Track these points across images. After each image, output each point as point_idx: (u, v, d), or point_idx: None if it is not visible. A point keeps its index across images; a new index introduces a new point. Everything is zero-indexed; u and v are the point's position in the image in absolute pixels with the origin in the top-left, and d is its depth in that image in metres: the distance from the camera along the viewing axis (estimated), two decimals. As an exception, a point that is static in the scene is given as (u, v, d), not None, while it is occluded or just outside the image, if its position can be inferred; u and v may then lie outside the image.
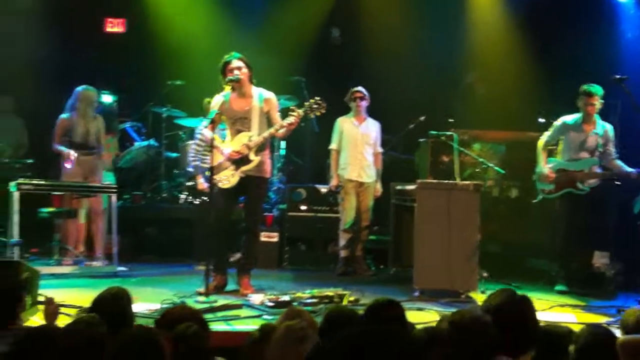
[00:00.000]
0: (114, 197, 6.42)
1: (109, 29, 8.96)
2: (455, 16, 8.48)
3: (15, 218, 5.92)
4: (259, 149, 5.48)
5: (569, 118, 6.17)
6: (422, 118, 7.29)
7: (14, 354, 2.37)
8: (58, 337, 2.54)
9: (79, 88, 6.72)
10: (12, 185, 6.03)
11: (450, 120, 7.42)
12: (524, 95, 7.78)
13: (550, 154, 6.33)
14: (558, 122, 6.22)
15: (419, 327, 3.09)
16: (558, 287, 6.02)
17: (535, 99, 7.73)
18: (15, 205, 5.94)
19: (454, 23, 8.49)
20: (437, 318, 4.54)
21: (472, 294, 5.49)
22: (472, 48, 8.44)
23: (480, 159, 6.60)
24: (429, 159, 7.13)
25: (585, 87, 6.01)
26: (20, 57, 8.05)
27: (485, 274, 5.82)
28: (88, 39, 8.62)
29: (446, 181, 5.85)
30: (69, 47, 8.35)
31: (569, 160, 6.15)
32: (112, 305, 3.02)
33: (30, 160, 7.47)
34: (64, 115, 6.66)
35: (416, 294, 5.50)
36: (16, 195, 5.96)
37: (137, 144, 7.97)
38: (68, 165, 6.53)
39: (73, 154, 6.52)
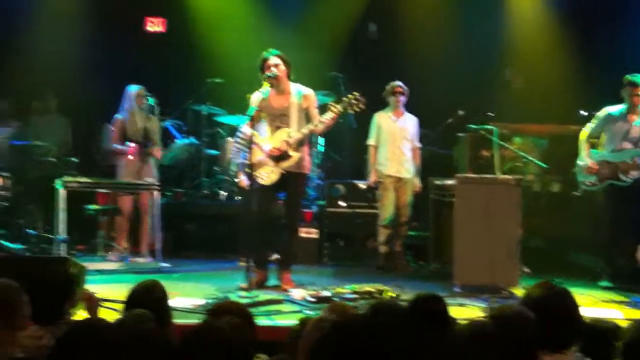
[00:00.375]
0: (156, 194, 6.53)
1: (149, 28, 9.09)
2: (493, 7, 8.38)
3: (62, 215, 6.07)
4: (298, 145, 5.51)
5: (614, 109, 6.07)
6: (461, 112, 7.23)
7: (61, 347, 2.42)
8: (105, 331, 2.59)
9: (131, 88, 6.82)
10: (58, 183, 6.19)
11: (490, 114, 7.34)
12: (565, 88, 7.67)
13: (593, 146, 6.23)
14: (602, 113, 6.12)
15: (461, 322, 3.08)
16: (602, 283, 5.92)
17: (577, 91, 7.61)
18: (62, 203, 6.09)
19: (493, 14, 8.40)
20: (479, 314, 4.56)
21: (514, 290, 5.44)
22: (511, 40, 8.34)
23: (521, 153, 6.53)
24: (469, 153, 7.08)
25: (629, 77, 5.92)
26: (64, 57, 8.25)
27: (526, 270, 5.75)
28: (129, 38, 8.79)
29: (486, 175, 5.80)
30: (111, 47, 8.52)
31: (612, 151, 6.05)
32: (145, 299, 3.06)
33: (75, 159, 7.64)
34: (118, 116, 6.80)
35: (457, 289, 5.47)
36: (62, 192, 6.11)
37: (178, 142, 8.08)
38: (130, 157, 6.65)
39: (131, 145, 6.63)
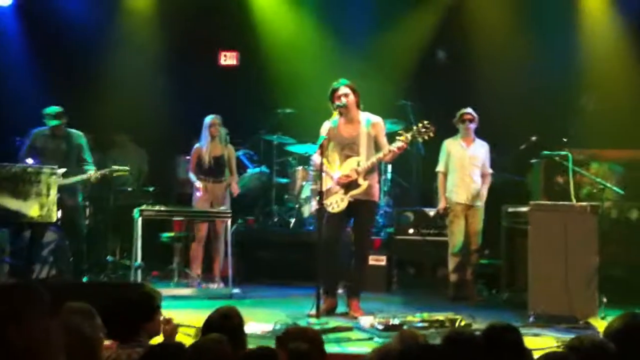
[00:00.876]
0: (228, 222, 6.68)
1: (223, 62, 9.39)
2: (565, 33, 8.22)
3: (139, 243, 6.28)
4: (368, 173, 5.54)
5: None
6: (534, 138, 7.09)
7: None
8: (182, 354, 2.67)
9: (207, 118, 7.03)
10: (135, 212, 6.42)
11: (564, 139, 7.16)
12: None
13: None
14: None
15: (536, 353, 2.99)
16: None
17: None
18: (139, 231, 6.31)
19: (565, 40, 8.23)
20: (554, 344, 4.42)
21: (592, 320, 5.25)
22: (585, 64, 8.14)
23: (597, 179, 6.33)
24: (543, 180, 6.92)
25: None
26: (142, 90, 8.61)
27: (604, 299, 5.53)
28: (204, 71, 9.10)
29: (561, 202, 5.66)
30: (187, 80, 8.84)
31: None
32: (222, 325, 3.12)
33: (151, 188, 7.91)
34: (197, 145, 7.03)
35: (531, 319, 5.32)
36: (139, 221, 6.34)
37: (249, 171, 8.26)
38: (198, 194, 6.88)
39: (198, 184, 6.84)
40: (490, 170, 6.86)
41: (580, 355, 2.51)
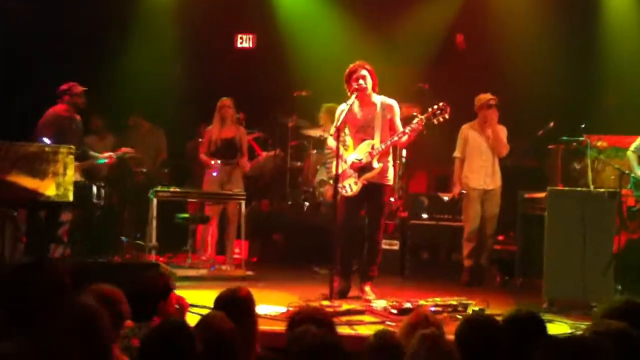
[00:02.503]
0: (242, 204, 6.68)
1: (239, 45, 9.36)
2: (587, 17, 8.11)
3: (154, 223, 6.31)
4: (382, 156, 5.50)
5: None
6: (552, 124, 7.02)
7: (147, 344, 2.52)
8: (185, 331, 2.67)
9: (223, 98, 7.02)
10: (151, 193, 6.44)
11: (583, 126, 7.07)
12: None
13: None
14: None
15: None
16: None
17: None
18: (154, 212, 6.34)
19: (587, 25, 8.12)
20: (568, 331, 4.39)
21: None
22: (606, 50, 8.03)
23: (616, 166, 6.25)
24: (560, 166, 6.85)
25: None
26: (158, 73, 8.62)
27: (619, 287, 5.48)
28: (220, 54, 9.08)
29: (579, 189, 5.60)
30: (203, 63, 8.84)
31: None
32: (232, 303, 3.13)
33: (166, 170, 7.94)
34: (210, 127, 7.02)
35: (546, 305, 5.29)
36: (154, 202, 6.36)
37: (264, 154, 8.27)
38: (214, 174, 6.87)
39: (216, 162, 6.84)
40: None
41: (608, 339, 2.46)
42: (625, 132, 7.18)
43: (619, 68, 7.96)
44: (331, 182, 5.86)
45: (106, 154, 6.87)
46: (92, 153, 6.85)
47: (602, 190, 5.52)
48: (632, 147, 6.16)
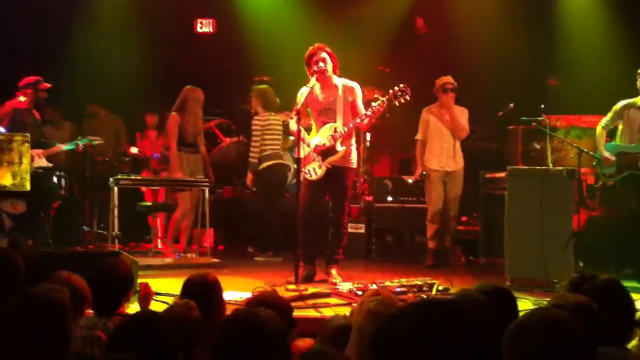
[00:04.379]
0: (206, 192, 6.61)
1: (199, 30, 9.24)
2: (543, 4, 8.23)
3: (115, 212, 6.22)
4: (345, 139, 5.50)
5: (629, 101, 6.05)
6: (511, 105, 7.10)
7: (115, 338, 2.49)
8: (155, 322, 2.64)
9: (188, 87, 6.90)
10: (111, 182, 6.34)
11: (542, 106, 7.17)
12: (621, 78, 7.42)
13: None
14: (617, 106, 6.10)
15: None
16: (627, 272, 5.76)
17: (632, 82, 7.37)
18: (115, 200, 6.24)
19: (544, 7, 8.23)
20: (531, 307, 4.46)
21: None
22: (563, 31, 8.15)
23: (574, 145, 6.36)
24: (520, 146, 6.96)
25: None
26: (115, 60, 8.45)
27: (580, 264, 5.60)
28: (180, 40, 8.95)
29: (538, 167, 5.68)
30: (161, 49, 8.70)
31: (629, 142, 6.01)
32: (199, 289, 3.11)
33: (127, 158, 7.82)
34: (175, 114, 6.83)
35: (507, 284, 5.37)
36: (115, 190, 6.26)
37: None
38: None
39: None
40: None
41: (568, 312, 2.48)
42: (583, 111, 7.33)
43: (577, 49, 8.08)
44: (294, 166, 5.83)
45: (73, 144, 6.71)
46: (55, 143, 6.72)
47: (561, 168, 5.61)
48: (602, 123, 6.18)
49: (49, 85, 6.55)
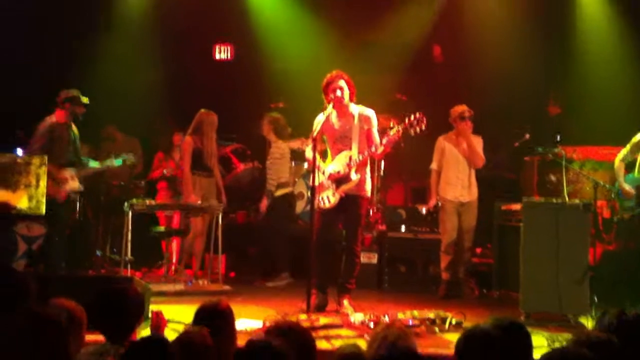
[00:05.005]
0: (219, 217, 6.61)
1: (217, 56, 9.32)
2: (561, 29, 8.21)
3: (129, 236, 6.22)
4: (360, 167, 5.49)
5: None
6: (527, 135, 7.08)
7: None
8: (164, 347, 2.63)
9: (203, 111, 6.94)
10: (126, 205, 6.35)
11: (558, 136, 7.14)
12: (637, 107, 7.40)
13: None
14: (635, 138, 6.05)
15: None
16: None
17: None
18: (129, 225, 6.25)
19: (561, 36, 8.22)
20: (545, 343, 4.39)
21: (582, 319, 5.23)
22: (581, 63, 8.13)
23: (591, 177, 6.31)
24: (535, 177, 6.91)
25: None
26: (134, 84, 8.53)
27: (595, 298, 5.51)
28: (198, 65, 9.03)
29: (554, 199, 5.63)
30: (180, 74, 8.78)
31: None
32: (212, 316, 3.09)
33: (142, 182, 7.85)
34: (189, 137, 6.87)
35: (522, 318, 5.30)
36: (129, 215, 6.27)
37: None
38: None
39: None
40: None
41: (590, 349, 2.45)
42: (600, 143, 7.27)
43: (594, 81, 8.05)
44: (308, 194, 5.83)
45: (108, 162, 6.69)
46: (89, 163, 6.69)
47: (577, 201, 5.56)
48: (620, 156, 6.15)
49: (87, 100, 6.49)
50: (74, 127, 6.53)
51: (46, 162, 5.95)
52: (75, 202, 6.73)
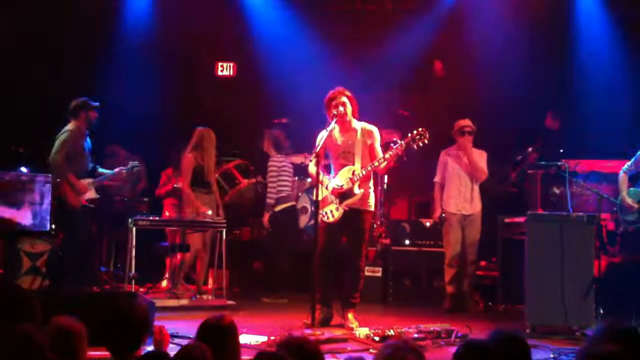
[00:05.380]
0: (223, 232, 6.62)
1: (219, 73, 9.38)
2: (563, 43, 8.25)
3: (133, 252, 6.23)
4: (363, 182, 5.50)
5: None
6: (530, 149, 7.09)
7: None
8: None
9: (202, 128, 6.97)
10: (130, 222, 6.36)
11: (561, 150, 7.15)
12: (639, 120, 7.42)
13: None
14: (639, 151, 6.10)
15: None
16: None
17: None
18: (133, 241, 6.26)
19: (563, 53, 8.27)
20: (551, 356, 4.38)
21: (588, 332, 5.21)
22: (583, 76, 8.16)
23: (594, 190, 6.31)
24: (539, 190, 6.91)
25: None
26: (136, 100, 8.56)
27: (601, 311, 5.49)
28: (201, 82, 9.08)
29: (558, 213, 5.63)
30: (182, 90, 8.82)
31: None
32: (216, 332, 3.08)
33: (145, 198, 7.87)
34: (190, 155, 6.89)
35: (528, 331, 5.28)
36: (133, 231, 6.28)
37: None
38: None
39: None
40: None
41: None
42: (604, 156, 7.28)
43: (595, 94, 8.07)
44: (312, 208, 5.84)
45: (116, 169, 6.70)
46: (101, 170, 6.69)
47: (581, 214, 5.55)
48: (625, 167, 6.19)
49: (98, 103, 6.46)
50: (88, 137, 6.53)
51: (50, 180, 5.96)
52: (92, 211, 6.72)
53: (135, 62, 8.66)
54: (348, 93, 5.57)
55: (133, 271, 6.19)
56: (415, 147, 5.39)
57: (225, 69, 9.36)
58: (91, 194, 6.38)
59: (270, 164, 7.13)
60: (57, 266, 6.44)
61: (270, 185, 7.10)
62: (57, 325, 2.99)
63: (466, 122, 6.79)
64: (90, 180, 6.41)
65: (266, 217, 7.17)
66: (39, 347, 2.46)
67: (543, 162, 6.36)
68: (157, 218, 6.71)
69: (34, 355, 2.43)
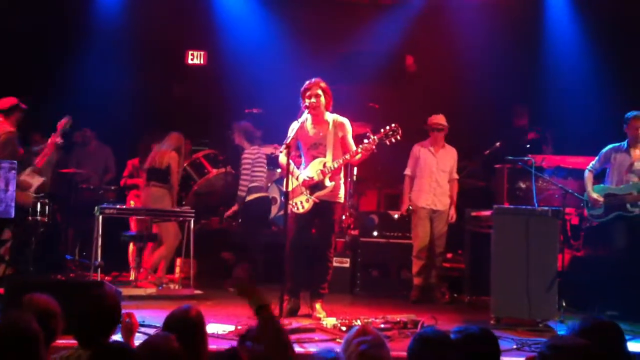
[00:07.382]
0: (191, 222, 6.58)
1: (190, 62, 9.29)
2: (533, 39, 8.36)
3: (99, 241, 6.16)
4: (334, 174, 5.52)
5: (616, 144, 6.24)
6: (498, 144, 7.18)
7: None
8: (131, 354, 2.62)
9: (177, 133, 7.09)
10: (96, 210, 6.29)
11: (528, 145, 7.26)
12: (605, 118, 7.55)
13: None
14: (604, 149, 6.28)
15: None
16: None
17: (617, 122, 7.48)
18: (99, 229, 6.19)
19: (532, 48, 8.37)
20: (514, 346, 4.46)
21: (551, 323, 5.32)
22: (552, 72, 8.28)
23: (560, 185, 6.43)
24: (506, 185, 7.01)
25: (633, 113, 6.14)
26: (106, 89, 8.45)
27: (563, 303, 5.60)
28: (171, 71, 8.99)
29: (524, 207, 5.72)
30: (152, 79, 8.72)
31: (616, 184, 6.15)
32: (183, 322, 3.08)
33: (113, 187, 7.78)
34: (175, 155, 7.05)
35: (492, 322, 5.36)
36: (100, 219, 6.21)
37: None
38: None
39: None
40: (456, 176, 6.92)
41: (565, 354, 2.48)
42: (569, 152, 7.41)
43: (564, 90, 8.20)
44: (282, 199, 5.83)
45: (49, 140, 6.56)
46: (34, 149, 6.60)
47: (546, 208, 5.65)
48: (590, 165, 6.34)
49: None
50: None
51: (16, 167, 5.86)
52: (44, 205, 6.61)
53: (105, 49, 8.54)
54: (323, 85, 5.55)
55: (99, 260, 6.12)
56: (387, 142, 5.39)
57: (195, 58, 9.28)
58: (35, 181, 6.24)
59: (244, 156, 7.10)
60: (20, 253, 6.36)
61: (242, 177, 7.06)
62: (35, 303, 2.96)
63: (440, 119, 6.85)
64: (28, 170, 6.29)
65: (232, 209, 7.14)
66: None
67: (510, 157, 6.44)
68: (124, 207, 6.64)
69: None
